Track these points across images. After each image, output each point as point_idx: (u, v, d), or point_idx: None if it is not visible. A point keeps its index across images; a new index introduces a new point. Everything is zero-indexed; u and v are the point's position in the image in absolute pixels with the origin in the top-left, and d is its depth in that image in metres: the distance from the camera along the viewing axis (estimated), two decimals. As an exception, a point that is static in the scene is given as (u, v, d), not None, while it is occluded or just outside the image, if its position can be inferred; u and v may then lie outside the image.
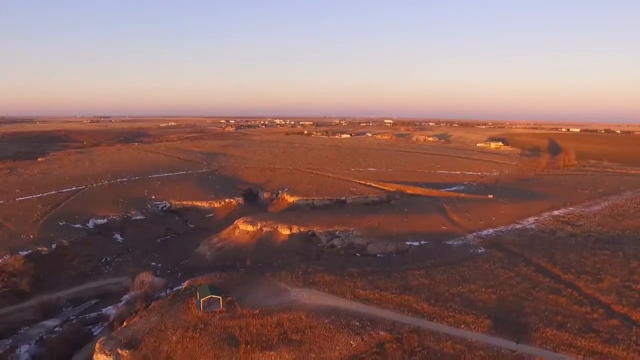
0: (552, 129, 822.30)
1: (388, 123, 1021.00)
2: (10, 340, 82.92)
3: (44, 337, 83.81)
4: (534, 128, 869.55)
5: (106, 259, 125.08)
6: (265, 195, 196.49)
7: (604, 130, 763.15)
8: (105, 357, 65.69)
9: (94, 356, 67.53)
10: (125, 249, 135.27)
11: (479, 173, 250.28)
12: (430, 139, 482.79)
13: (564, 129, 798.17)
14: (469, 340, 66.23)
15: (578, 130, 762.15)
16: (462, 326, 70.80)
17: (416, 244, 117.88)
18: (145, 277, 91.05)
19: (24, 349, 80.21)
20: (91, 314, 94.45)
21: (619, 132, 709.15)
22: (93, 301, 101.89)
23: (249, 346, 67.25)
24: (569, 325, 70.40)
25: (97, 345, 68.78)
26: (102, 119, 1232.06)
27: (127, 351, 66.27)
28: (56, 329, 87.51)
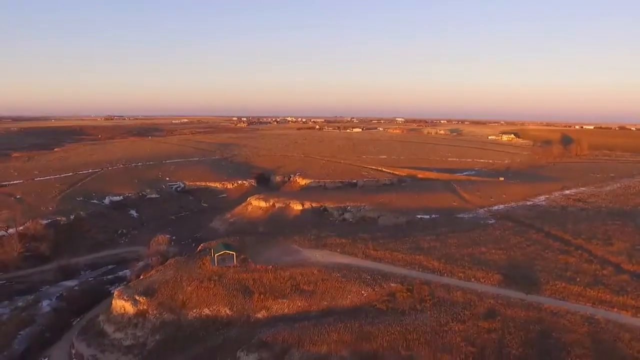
0: (565, 126, 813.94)
1: (399, 121, 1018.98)
2: (32, 296, 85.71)
3: (64, 294, 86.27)
4: (547, 126, 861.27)
5: (122, 231, 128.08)
6: (278, 178, 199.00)
7: (618, 127, 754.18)
8: (123, 302, 67.91)
9: (113, 302, 69.86)
10: (140, 223, 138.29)
11: (490, 161, 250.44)
12: (442, 132, 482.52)
13: (577, 127, 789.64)
14: (479, 291, 67.24)
15: (592, 127, 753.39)
16: (473, 280, 71.84)
17: (427, 217, 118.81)
18: (161, 240, 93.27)
19: (45, 303, 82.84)
20: (108, 276, 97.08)
21: (633, 129, 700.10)
22: (110, 266, 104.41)
23: (262, 295, 69.18)
24: (578, 279, 70.97)
25: (116, 292, 71.17)
26: (115, 118, 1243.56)
27: (144, 298, 68.51)
28: (75, 287, 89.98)
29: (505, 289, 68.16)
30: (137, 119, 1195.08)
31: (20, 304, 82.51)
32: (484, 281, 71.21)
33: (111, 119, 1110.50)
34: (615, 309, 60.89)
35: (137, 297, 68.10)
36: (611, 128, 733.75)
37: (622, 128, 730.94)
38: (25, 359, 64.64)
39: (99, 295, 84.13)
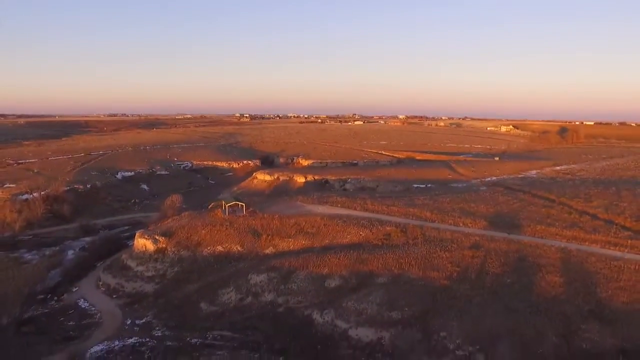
0: (565, 122, 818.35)
1: (401, 117, 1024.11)
2: (57, 247, 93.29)
3: (87, 245, 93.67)
4: (547, 122, 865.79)
5: (135, 200, 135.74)
6: (281, 160, 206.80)
7: (618, 124, 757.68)
8: (144, 240, 75.30)
9: (135, 241, 77.31)
10: (152, 195, 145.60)
11: (488, 146, 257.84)
12: (442, 124, 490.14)
13: (577, 123, 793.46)
14: (467, 232, 74.34)
15: (592, 123, 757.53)
16: (461, 225, 78.83)
17: (422, 186, 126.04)
18: (175, 198, 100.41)
19: (70, 252, 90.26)
20: (125, 234, 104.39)
21: (634, 125, 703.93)
22: (126, 227, 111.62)
23: (269, 236, 76.48)
24: (557, 224, 78.06)
25: (137, 233, 78.61)
26: (118, 115, 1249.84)
27: (163, 237, 75.87)
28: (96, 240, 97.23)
29: (490, 231, 75.37)
30: (140, 116, 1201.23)
31: (47, 252, 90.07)
32: (471, 226, 78.25)
33: (114, 116, 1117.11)
34: (587, 243, 67.93)
35: (157, 237, 75.50)
36: (611, 124, 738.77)
37: (622, 124, 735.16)
38: (58, 289, 71.87)
39: (119, 246, 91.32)
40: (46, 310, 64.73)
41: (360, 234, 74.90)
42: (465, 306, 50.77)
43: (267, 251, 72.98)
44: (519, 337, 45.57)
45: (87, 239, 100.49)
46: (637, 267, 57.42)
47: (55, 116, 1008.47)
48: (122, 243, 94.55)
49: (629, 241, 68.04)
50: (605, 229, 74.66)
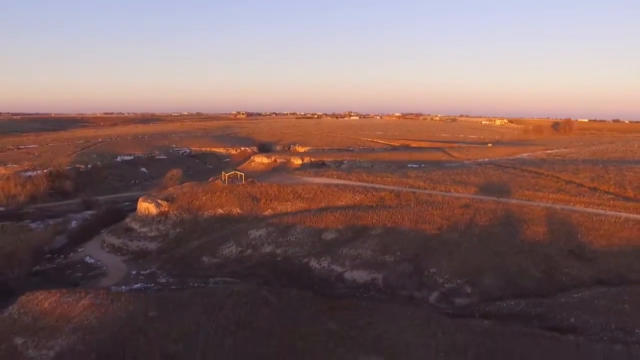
0: (559, 120, 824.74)
1: (397, 115, 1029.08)
2: (61, 219, 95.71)
3: (89, 217, 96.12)
4: (542, 119, 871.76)
5: (135, 181, 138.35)
6: (278, 147, 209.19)
7: (612, 120, 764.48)
8: (147, 204, 78.00)
9: (138, 205, 79.97)
10: (151, 177, 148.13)
11: (482, 137, 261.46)
12: (437, 118, 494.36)
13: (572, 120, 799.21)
14: (457, 196, 77.57)
15: (586, 120, 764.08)
16: (452, 190, 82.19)
17: (416, 166, 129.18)
18: (176, 171, 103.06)
19: (74, 222, 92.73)
20: (127, 208, 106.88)
21: (627, 122, 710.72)
22: (127, 203, 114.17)
23: (268, 200, 79.44)
24: (544, 190, 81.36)
25: (140, 199, 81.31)
26: (114, 114, 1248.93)
27: (165, 202, 78.61)
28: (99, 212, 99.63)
29: (480, 195, 78.60)
30: (136, 114, 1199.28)
31: (51, 222, 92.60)
32: (462, 191, 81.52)
33: (110, 114, 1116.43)
34: (571, 204, 71.33)
35: (160, 201, 78.23)
36: (605, 121, 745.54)
37: (615, 121, 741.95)
38: (64, 250, 74.57)
39: (122, 216, 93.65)
40: (54, 266, 67.46)
41: (356, 198, 77.90)
42: (454, 249, 53.98)
43: (266, 213, 75.81)
44: (503, 272, 48.83)
45: (90, 212, 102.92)
46: (617, 219, 60.79)
47: (50, 114, 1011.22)
48: (124, 215, 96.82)
49: (612, 202, 71.58)
50: (589, 194, 78.10)
